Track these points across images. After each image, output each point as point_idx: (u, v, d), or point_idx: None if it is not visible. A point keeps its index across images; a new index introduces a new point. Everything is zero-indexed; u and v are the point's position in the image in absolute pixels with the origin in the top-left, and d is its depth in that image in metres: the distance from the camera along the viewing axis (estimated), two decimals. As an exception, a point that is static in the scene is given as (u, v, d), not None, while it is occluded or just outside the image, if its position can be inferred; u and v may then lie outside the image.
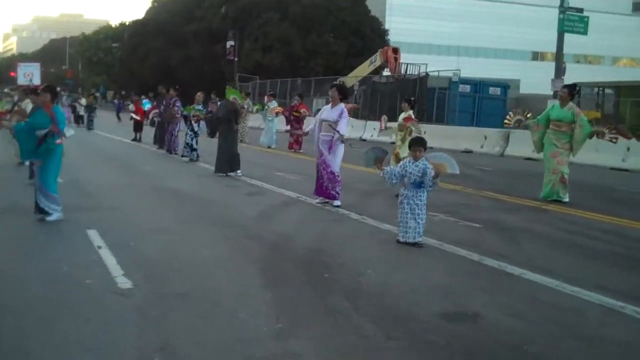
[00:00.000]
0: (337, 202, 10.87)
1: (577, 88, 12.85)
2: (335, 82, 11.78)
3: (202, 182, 14.14)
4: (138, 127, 25.70)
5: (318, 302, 5.85)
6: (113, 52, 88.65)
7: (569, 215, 11.02)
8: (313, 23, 64.45)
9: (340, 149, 11.01)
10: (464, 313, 5.60)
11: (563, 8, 30.80)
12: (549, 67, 77.10)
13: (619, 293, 6.30)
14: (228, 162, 14.97)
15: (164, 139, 21.08)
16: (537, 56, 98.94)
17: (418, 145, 8.05)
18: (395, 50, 40.24)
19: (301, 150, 22.58)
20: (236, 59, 59.83)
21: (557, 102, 12.82)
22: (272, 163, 18.05)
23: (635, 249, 8.66)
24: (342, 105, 11.18)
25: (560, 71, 31.74)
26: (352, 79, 42.11)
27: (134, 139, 25.14)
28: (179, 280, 6.42)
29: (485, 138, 26.70)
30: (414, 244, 7.91)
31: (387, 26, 73.35)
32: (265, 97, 27.88)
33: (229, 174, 14.82)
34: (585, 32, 31.98)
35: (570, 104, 12.77)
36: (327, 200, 10.99)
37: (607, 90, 38.95)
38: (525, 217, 10.66)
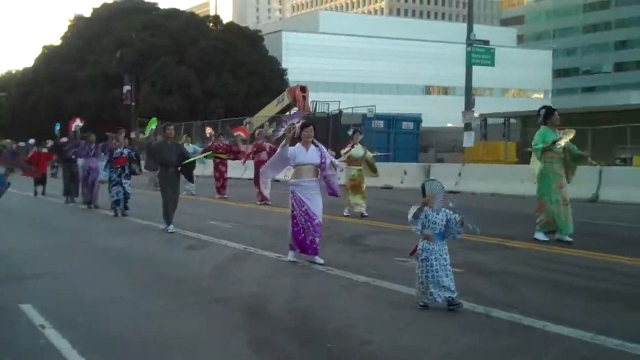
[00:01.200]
0: (320, 260, 9.47)
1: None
2: (305, 121, 10.32)
3: (134, 238, 12.75)
4: (40, 179, 23.78)
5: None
6: (1, 102, 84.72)
7: (538, 252, 10.43)
8: (211, 65, 63.59)
9: (320, 197, 9.72)
10: (516, 384, 4.73)
11: (471, 41, 31.02)
12: (443, 100, 78.84)
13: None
14: (172, 212, 13.30)
15: (71, 190, 19.93)
16: (429, 90, 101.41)
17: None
18: (303, 89, 39.70)
19: (226, 196, 21.52)
20: (133, 103, 58.05)
21: (546, 128, 11.72)
22: (199, 211, 16.82)
23: (632, 285, 8.05)
24: (315, 145, 9.74)
25: (470, 103, 31.89)
26: (260, 119, 41.28)
27: (36, 193, 23.22)
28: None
29: (405, 173, 26.31)
30: (455, 305, 6.71)
31: (284, 65, 73.35)
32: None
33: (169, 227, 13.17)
34: (492, 64, 32.35)
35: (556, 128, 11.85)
36: (312, 258, 9.52)
37: (512, 120, 39.60)
38: (497, 256, 9.97)
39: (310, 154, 9.60)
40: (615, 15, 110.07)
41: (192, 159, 13.48)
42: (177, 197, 13.44)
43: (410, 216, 6.87)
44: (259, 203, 19.14)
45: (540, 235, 11.50)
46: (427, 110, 60.16)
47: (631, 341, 5.64)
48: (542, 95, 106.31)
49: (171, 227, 13.03)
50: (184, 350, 5.68)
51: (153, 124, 23.98)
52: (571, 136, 11.42)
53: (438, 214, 6.85)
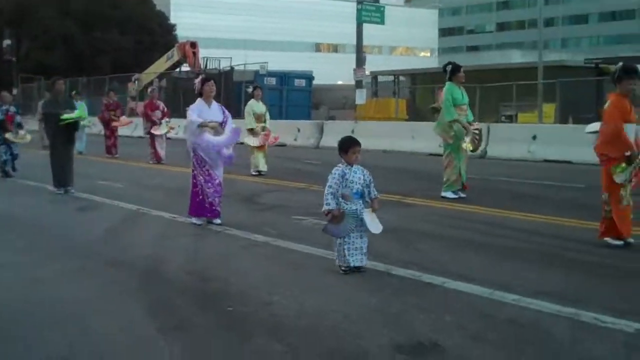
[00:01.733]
0: (219, 220, 9.17)
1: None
2: (203, 76, 9.86)
3: (22, 200, 12.14)
4: None
5: (243, 348, 4.72)
6: None
7: (437, 209, 10.59)
8: (97, 19, 61.06)
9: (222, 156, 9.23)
10: (420, 343, 4.73)
11: (360, -1, 31.02)
12: (332, 57, 78.97)
13: (563, 297, 5.75)
14: (69, 174, 12.59)
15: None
16: (319, 47, 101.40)
17: (356, 145, 6.58)
18: (194, 45, 38.74)
19: (117, 155, 20.83)
20: (14, 59, 55.38)
21: (452, 84, 11.65)
22: (89, 171, 16.18)
23: (536, 242, 8.24)
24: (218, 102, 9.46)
25: (360, 61, 32.00)
26: (149, 75, 40.14)
27: None
28: (49, 335, 5.00)
29: (299, 130, 26.30)
30: (358, 268, 6.55)
31: (173, 21, 71.58)
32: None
33: (68, 189, 12.45)
34: (382, 22, 32.43)
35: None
36: (211, 219, 9.18)
37: (401, 78, 40.16)
38: (396, 214, 10.02)
39: (213, 110, 9.19)
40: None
41: (69, 116, 12.61)
42: (70, 157, 12.74)
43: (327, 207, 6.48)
44: (151, 162, 18.66)
45: (449, 194, 11.57)
46: (317, 67, 60.16)
47: (527, 296, 5.76)
48: (428, 54, 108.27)
49: (61, 190, 12.45)
50: (77, 317, 5.40)
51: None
52: (471, 146, 11.59)
53: (356, 172, 6.55)
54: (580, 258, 7.38)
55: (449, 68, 11.84)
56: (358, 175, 6.55)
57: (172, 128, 19.80)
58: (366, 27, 31.75)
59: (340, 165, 6.55)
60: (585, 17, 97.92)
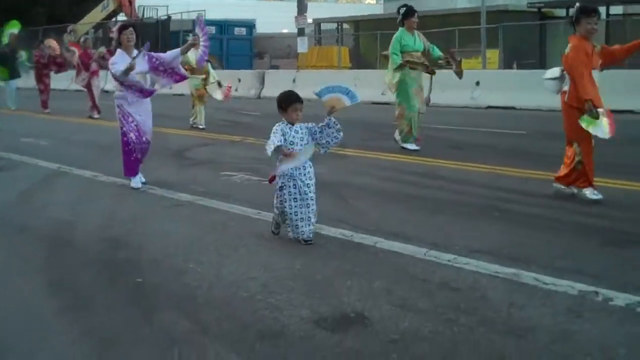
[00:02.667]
0: (138, 184, 8.35)
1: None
2: (121, 23, 9.00)
3: None
4: None
5: (146, 327, 4.20)
6: None
7: (372, 160, 10.16)
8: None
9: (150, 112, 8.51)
10: (345, 315, 4.27)
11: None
12: (277, 6, 77.78)
13: (502, 256, 5.36)
14: None
15: None
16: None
17: (296, 102, 5.78)
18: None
19: (48, 110, 19.85)
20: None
21: (403, 30, 11.07)
22: (14, 127, 15.26)
23: (474, 195, 7.84)
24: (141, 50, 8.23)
25: (302, 8, 31.15)
26: (84, 26, 38.60)
27: None
28: None
29: (239, 80, 25.53)
30: (306, 242, 5.76)
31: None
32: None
33: None
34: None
35: (415, 31, 11.21)
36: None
37: (345, 26, 39.39)
38: (329, 165, 9.49)
39: (139, 60, 8.03)
40: None
41: None
42: None
43: (270, 150, 5.68)
44: (96, 117, 17.84)
45: (410, 145, 10.97)
46: (261, 16, 58.77)
47: (464, 255, 5.36)
48: (374, 1, 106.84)
49: None
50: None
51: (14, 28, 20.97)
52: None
53: (298, 132, 5.76)
54: (521, 210, 7.02)
55: (402, 11, 11.20)
56: (300, 136, 5.77)
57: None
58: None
59: (280, 123, 5.81)
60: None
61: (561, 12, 28.35)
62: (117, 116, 8.39)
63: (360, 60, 31.67)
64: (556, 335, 3.90)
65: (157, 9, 35.16)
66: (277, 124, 5.79)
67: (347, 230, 6.15)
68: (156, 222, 6.80)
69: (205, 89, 14.81)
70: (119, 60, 8.12)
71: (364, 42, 34.29)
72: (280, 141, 5.66)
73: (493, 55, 25.99)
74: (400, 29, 11.14)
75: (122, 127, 8.32)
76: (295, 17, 30.40)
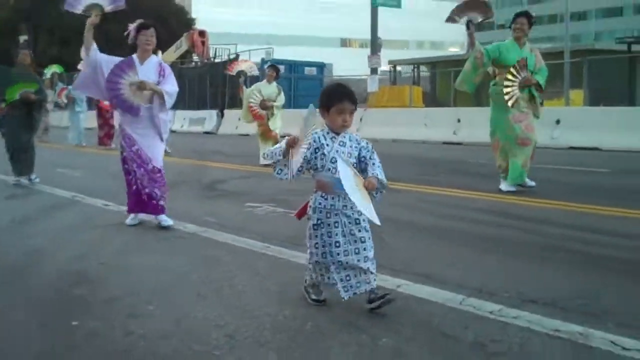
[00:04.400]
0: (168, 221, 6.67)
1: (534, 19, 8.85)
2: (140, 22, 6.89)
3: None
4: None
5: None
6: None
7: (431, 195, 8.76)
8: (114, 13, 59.57)
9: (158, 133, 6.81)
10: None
11: (376, -18, 29.16)
12: (358, 52, 77.45)
13: (561, 307, 3.91)
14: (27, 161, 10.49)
15: None
16: (346, 43, 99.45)
17: (345, 99, 3.87)
18: (202, 33, 36.79)
19: (113, 146, 18.85)
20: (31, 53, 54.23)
21: (509, 39, 8.92)
22: (56, 160, 14.48)
23: (532, 232, 6.38)
24: (157, 56, 6.93)
25: (376, 47, 30.16)
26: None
27: None
28: None
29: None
30: (379, 300, 3.86)
31: (194, 15, 70.29)
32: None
33: (31, 178, 10.43)
34: (399, 5, 30.56)
35: (528, 44, 8.84)
36: (159, 219, 6.72)
37: (422, 68, 38.19)
38: (377, 200, 8.20)
39: (145, 69, 6.60)
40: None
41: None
42: (28, 144, 10.52)
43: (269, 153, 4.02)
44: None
45: (504, 186, 8.85)
46: (343, 62, 58.35)
47: (512, 305, 3.94)
48: (458, 49, 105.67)
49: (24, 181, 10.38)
50: None
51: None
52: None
53: (343, 145, 3.90)
54: (598, 253, 5.48)
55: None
56: (346, 150, 3.89)
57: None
58: (392, 21, 29.93)
59: (318, 130, 3.94)
60: (619, 9, 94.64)
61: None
62: (118, 141, 7.02)
63: (435, 102, 30.29)
64: None
65: (229, 49, 34.80)
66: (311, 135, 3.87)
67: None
68: (141, 255, 5.58)
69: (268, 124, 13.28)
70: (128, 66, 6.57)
71: (441, 83, 32.94)
72: (298, 163, 3.79)
73: (577, 97, 24.06)
74: (508, 39, 8.98)
75: (123, 152, 6.79)
76: (369, 57, 29.38)
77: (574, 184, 9.84)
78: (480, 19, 8.81)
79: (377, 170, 3.88)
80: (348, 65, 66.16)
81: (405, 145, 18.51)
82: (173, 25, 64.02)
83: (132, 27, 6.83)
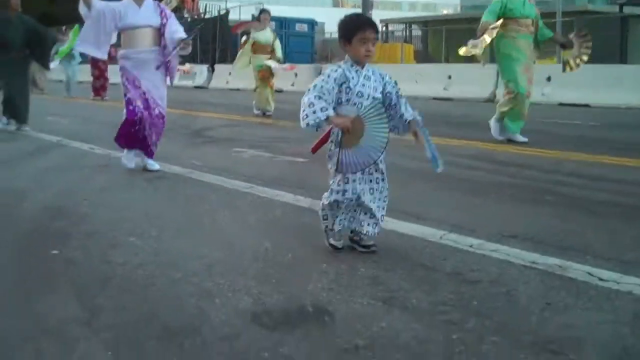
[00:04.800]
0: (155, 165, 6.57)
1: None
2: None
3: None
4: None
5: (25, 311, 2.95)
6: None
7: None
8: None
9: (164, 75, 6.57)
10: (301, 308, 2.93)
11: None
12: (351, 12, 76.45)
13: (541, 242, 3.92)
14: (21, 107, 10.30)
15: None
16: (338, 3, 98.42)
17: (368, 27, 3.64)
18: (192, -14, 36.64)
19: (107, 98, 18.47)
20: (19, 10, 53.53)
21: None
22: (47, 109, 14.28)
23: (519, 176, 6.38)
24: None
25: (367, 5, 29.88)
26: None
27: None
28: None
29: (296, 75, 24.33)
30: (365, 247, 3.77)
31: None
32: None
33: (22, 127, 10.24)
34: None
35: None
36: (146, 162, 6.60)
37: (414, 27, 37.89)
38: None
39: (144, 11, 6.40)
40: None
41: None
42: (22, 90, 10.35)
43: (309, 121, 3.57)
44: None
45: (518, 136, 8.73)
46: (335, 22, 57.64)
47: (493, 240, 3.94)
48: (450, 10, 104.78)
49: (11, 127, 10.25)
50: None
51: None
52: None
53: (369, 78, 3.67)
54: (583, 195, 5.47)
55: None
56: (371, 84, 3.67)
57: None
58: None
59: (340, 63, 3.73)
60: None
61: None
62: (121, 80, 6.58)
63: (427, 59, 30.10)
64: (613, 354, 2.48)
65: (220, 5, 34.38)
66: (330, 68, 3.70)
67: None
68: (125, 193, 5.57)
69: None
70: (126, 9, 6.33)
71: (432, 41, 32.73)
72: (326, 109, 3.53)
73: (568, 54, 23.95)
74: None
75: (127, 93, 6.48)
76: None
77: (562, 135, 9.84)
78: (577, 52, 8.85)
79: (410, 111, 3.76)
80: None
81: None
82: (164, -19, 63.58)
83: None
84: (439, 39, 29.88)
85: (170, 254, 3.75)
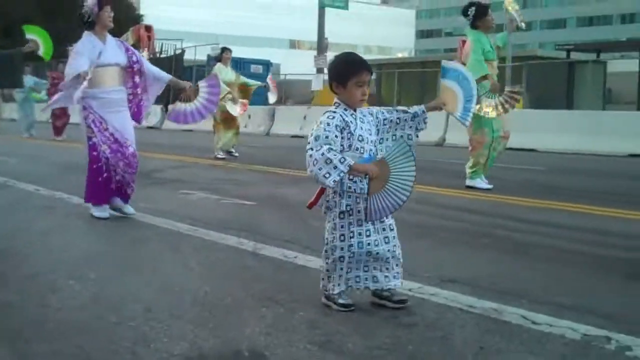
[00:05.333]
0: (131, 209, 6.30)
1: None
2: None
3: None
4: None
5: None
6: None
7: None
8: (59, 6, 58.67)
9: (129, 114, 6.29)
10: (237, 352, 2.93)
11: (323, -18, 29.30)
12: (307, 54, 77.71)
13: (479, 286, 3.99)
14: None
15: None
16: (295, 44, 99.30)
17: (363, 70, 3.51)
18: (148, 28, 36.36)
19: (64, 137, 17.89)
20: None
21: (480, 33, 8.47)
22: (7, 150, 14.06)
23: (460, 220, 6.48)
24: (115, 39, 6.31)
25: (322, 47, 30.35)
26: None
27: None
28: None
29: (250, 117, 24.40)
30: (398, 302, 3.57)
31: (142, 12, 69.55)
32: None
33: None
34: (346, 7, 30.77)
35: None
36: (120, 207, 6.27)
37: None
38: (310, 190, 8.21)
39: (110, 48, 6.08)
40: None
41: None
42: None
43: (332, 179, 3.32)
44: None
45: (480, 183, 8.55)
46: (292, 63, 58.22)
47: (432, 284, 3.99)
48: (406, 54, 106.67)
49: None
50: None
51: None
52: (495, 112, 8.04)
53: (364, 122, 3.53)
54: (521, 239, 5.58)
55: (471, 12, 8.50)
56: (367, 127, 3.55)
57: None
58: (341, 25, 30.14)
59: (333, 109, 3.53)
60: (563, 21, 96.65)
61: (591, 56, 27.07)
62: (84, 122, 6.17)
63: (379, 103, 30.51)
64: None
65: (176, 44, 34.46)
66: (325, 115, 3.47)
67: (293, 252, 4.81)
68: (68, 236, 5.52)
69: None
70: (84, 50, 5.97)
71: (385, 84, 33.20)
72: (344, 159, 3.31)
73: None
74: (473, 31, 8.52)
75: (91, 137, 6.09)
76: (315, 57, 29.49)
77: (506, 180, 10.00)
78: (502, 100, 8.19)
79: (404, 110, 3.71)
80: (296, 66, 66.34)
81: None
82: (122, 21, 63.37)
83: (90, 2, 6.09)
84: (392, 82, 30.36)
85: (108, 297, 3.72)
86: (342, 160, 3.29)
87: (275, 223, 6.06)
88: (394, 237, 3.59)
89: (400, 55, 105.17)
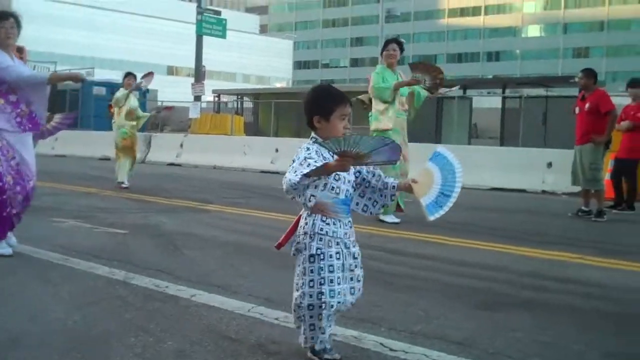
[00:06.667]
0: (14, 239, 5.91)
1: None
2: (4, 12, 6.10)
3: None
4: None
5: None
6: None
7: (240, 216, 8.93)
8: None
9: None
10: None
11: (201, 9, 29.27)
12: (185, 81, 77.23)
13: (345, 316, 4.20)
14: None
15: None
16: (172, 71, 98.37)
17: (346, 103, 3.29)
18: (20, 50, 35.25)
19: None
20: None
21: (383, 67, 8.59)
22: None
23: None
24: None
25: (200, 75, 30.27)
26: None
27: None
28: None
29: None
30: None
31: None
32: None
33: None
34: (224, 36, 30.81)
35: (398, 69, 8.71)
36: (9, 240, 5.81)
37: (246, 99, 38.67)
38: (183, 218, 8.32)
39: (18, 64, 5.74)
40: (352, 13, 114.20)
41: None
42: None
43: (297, 176, 3.04)
44: None
45: (388, 218, 8.48)
46: (169, 89, 57.53)
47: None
48: (284, 84, 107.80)
49: None
50: None
51: None
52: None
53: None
54: (381, 269, 5.87)
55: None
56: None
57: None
58: (220, 53, 30.19)
59: (308, 144, 3.24)
60: (433, 57, 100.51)
61: (458, 92, 28.34)
62: None
63: (257, 132, 30.78)
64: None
65: (49, 68, 33.54)
66: (307, 145, 3.23)
67: (164, 281, 4.89)
68: None
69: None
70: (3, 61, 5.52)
71: (262, 114, 33.52)
72: (322, 161, 3.10)
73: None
74: (379, 65, 8.73)
75: None
76: (192, 85, 29.41)
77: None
78: (428, 83, 8.46)
79: (385, 179, 3.44)
80: (174, 92, 65.65)
81: (225, 172, 18.66)
82: None
83: None
84: (269, 112, 30.69)
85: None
86: (319, 162, 3.07)
87: (147, 252, 6.10)
88: (359, 289, 3.39)
89: (278, 85, 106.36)
